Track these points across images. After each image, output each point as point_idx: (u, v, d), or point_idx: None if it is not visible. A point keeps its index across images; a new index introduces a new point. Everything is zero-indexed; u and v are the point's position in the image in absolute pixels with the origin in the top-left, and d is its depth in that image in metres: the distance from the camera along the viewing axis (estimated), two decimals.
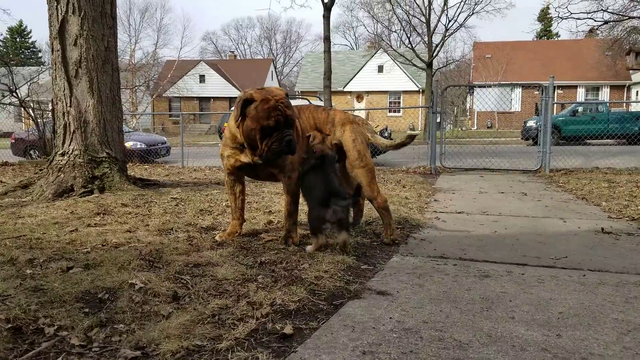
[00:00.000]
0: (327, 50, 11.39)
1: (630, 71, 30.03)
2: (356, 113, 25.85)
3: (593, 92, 30.89)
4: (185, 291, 2.24)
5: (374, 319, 1.90)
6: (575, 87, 30.47)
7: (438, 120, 9.27)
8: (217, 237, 3.22)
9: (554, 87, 8.66)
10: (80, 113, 5.44)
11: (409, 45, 25.14)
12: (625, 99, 30.02)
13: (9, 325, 1.83)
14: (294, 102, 11.36)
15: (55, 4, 5.38)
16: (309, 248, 2.88)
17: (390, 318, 1.91)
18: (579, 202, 5.22)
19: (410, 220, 4.05)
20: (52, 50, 5.53)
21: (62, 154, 5.43)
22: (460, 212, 4.63)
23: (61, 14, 5.35)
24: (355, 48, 55.09)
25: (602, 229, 3.78)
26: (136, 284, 2.27)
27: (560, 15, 17.75)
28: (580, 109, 18.20)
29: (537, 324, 1.89)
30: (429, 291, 2.27)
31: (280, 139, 2.76)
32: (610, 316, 1.99)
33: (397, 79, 35.62)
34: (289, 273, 2.51)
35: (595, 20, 18.26)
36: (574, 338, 1.76)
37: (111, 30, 5.65)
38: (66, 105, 5.45)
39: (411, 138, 3.46)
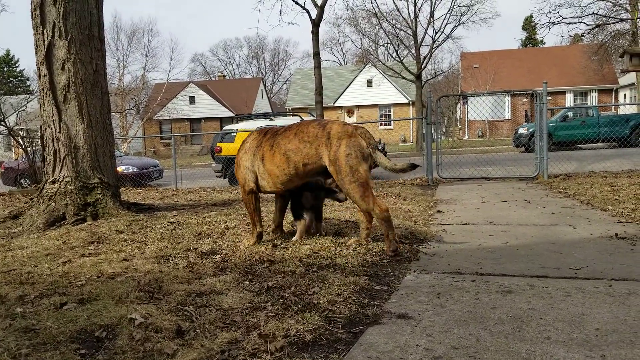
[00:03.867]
0: (317, 66, 11.36)
1: (618, 75, 30.50)
2: None
3: (581, 97, 31.23)
4: (190, 324, 2.07)
5: (400, 347, 1.75)
6: (564, 92, 30.80)
7: (432, 130, 9.21)
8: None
9: (547, 90, 8.64)
10: (70, 139, 5.27)
11: (397, 59, 25.28)
12: (613, 102, 30.36)
13: None
14: (285, 120, 11.22)
15: (41, 29, 5.24)
16: (294, 238, 3.27)
17: (417, 345, 1.75)
18: (585, 208, 5.12)
19: (417, 234, 3.90)
20: (39, 76, 5.38)
21: (53, 182, 5.24)
22: (466, 224, 4.50)
23: (47, 38, 5.22)
24: (343, 63, 55.51)
25: (616, 234, 3.66)
26: (136, 319, 2.09)
27: (552, 21, 17.97)
28: (570, 114, 18.32)
29: (576, 344, 1.74)
30: (452, 312, 2.11)
31: None
32: None
33: (387, 92, 35.84)
34: (299, 298, 2.35)
35: (587, 24, 18.51)
36: (620, 358, 1.61)
37: (99, 53, 5.52)
38: (55, 131, 5.29)
39: (412, 167, 3.38)
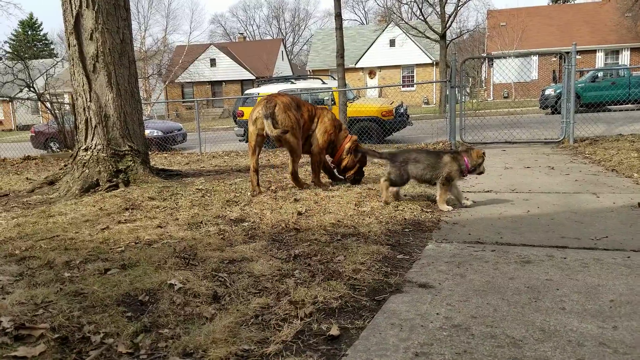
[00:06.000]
0: (339, 28, 11.09)
1: None
2: (369, 91, 25.46)
3: (613, 56, 29.80)
4: (225, 290, 2.23)
5: (421, 315, 1.87)
6: (595, 51, 29.43)
7: (456, 92, 9.05)
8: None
9: (576, 52, 8.32)
10: (101, 107, 5.44)
11: (421, 17, 24.48)
12: None
13: (56, 335, 1.84)
14: (306, 83, 11.26)
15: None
16: None
17: (437, 314, 1.87)
18: (609, 175, 5.07)
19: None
20: (69, 46, 5.50)
21: (86, 149, 5.45)
22: (488, 191, 4.54)
23: (75, 8, 5.29)
24: (365, 23, 53.99)
25: (639, 203, 3.66)
26: (175, 285, 2.26)
27: None
28: (600, 74, 17.63)
29: (590, 315, 1.83)
30: (471, 282, 2.22)
31: None
32: None
33: (410, 52, 34.90)
34: (325, 266, 2.48)
35: None
36: (631, 329, 1.70)
37: (125, 22, 5.58)
38: (86, 100, 5.45)
39: (285, 132, 4.33)
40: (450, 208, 3.78)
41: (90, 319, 1.98)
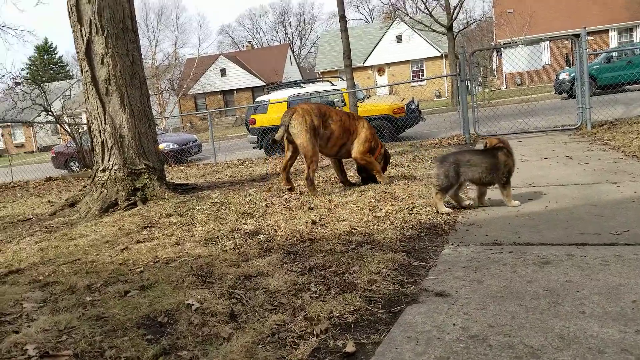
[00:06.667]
0: (344, 29, 11.08)
1: None
2: (379, 89, 25.31)
3: (626, 35, 29.03)
4: (241, 307, 2.25)
5: (437, 327, 1.85)
6: (607, 31, 28.70)
7: (467, 84, 8.94)
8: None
9: (586, 37, 8.12)
10: (115, 129, 5.54)
11: (426, 11, 24.28)
12: None
13: None
14: (315, 86, 11.35)
15: (79, 27, 5.48)
16: None
17: (454, 325, 1.85)
18: (630, 161, 4.95)
19: (454, 202, 3.93)
20: (82, 71, 5.64)
21: (103, 170, 5.57)
22: None
23: (85, 35, 5.44)
24: (371, 21, 53.82)
25: None
26: (192, 305, 2.29)
27: None
28: (614, 54, 17.20)
29: (611, 318, 1.79)
30: (489, 287, 2.19)
31: None
32: None
33: (418, 46, 34.64)
34: (340, 278, 2.48)
35: None
36: None
37: (134, 44, 5.71)
38: (101, 122, 5.56)
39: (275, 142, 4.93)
40: (519, 202, 3.71)
41: (111, 343, 2.02)
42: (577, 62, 8.26)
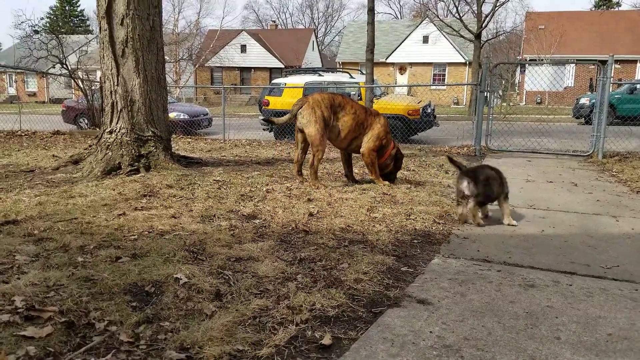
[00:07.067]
0: (371, 22, 11.00)
1: None
2: (397, 89, 25.23)
3: None
4: (228, 288, 2.29)
5: (414, 332, 1.89)
6: (635, 62, 28.35)
7: (486, 96, 8.89)
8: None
9: (613, 65, 8.04)
10: (127, 92, 5.57)
11: (457, 15, 24.04)
12: None
13: (63, 319, 1.93)
14: (334, 76, 11.32)
15: None
16: None
17: (431, 332, 1.89)
18: (634, 197, 4.93)
19: (452, 214, 3.95)
20: (100, 30, 5.64)
21: (110, 132, 5.61)
22: None
23: None
24: (399, 17, 53.33)
25: None
26: (181, 279, 2.34)
27: None
28: (639, 86, 17.01)
29: (585, 348, 1.81)
30: (471, 302, 2.22)
31: None
32: None
33: (443, 50, 34.33)
34: (328, 273, 2.52)
35: None
36: None
37: (156, 9, 5.69)
38: (113, 84, 5.59)
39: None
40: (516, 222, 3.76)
41: (97, 305, 2.07)
42: (599, 89, 8.19)
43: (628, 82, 15.96)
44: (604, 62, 8.16)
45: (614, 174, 6.41)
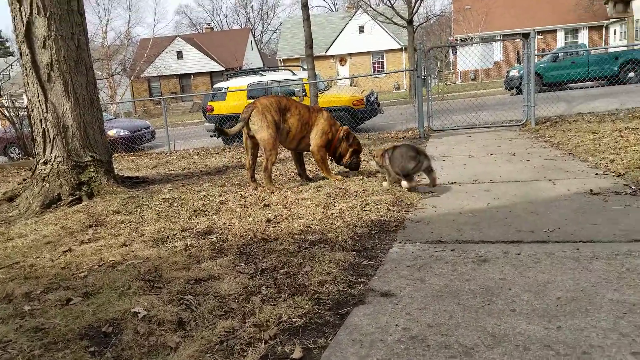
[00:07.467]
0: (307, 18, 11.04)
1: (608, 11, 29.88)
2: (340, 81, 25.35)
3: (572, 35, 30.69)
4: (190, 314, 2.24)
5: (381, 328, 1.93)
6: (555, 31, 30.20)
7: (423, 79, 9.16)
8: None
9: (536, 38, 8.50)
10: (58, 118, 5.28)
11: (388, 3, 24.50)
12: (603, 38, 29.95)
13: None
14: (276, 75, 11.24)
15: (18, 6, 5.11)
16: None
17: (397, 325, 1.94)
18: (566, 159, 5.25)
19: (404, 199, 4.05)
20: (21, 55, 5.30)
21: (45, 162, 5.30)
22: (452, 183, 4.65)
23: (25, 15, 5.10)
24: (334, 10, 53.68)
25: (591, 190, 3.81)
26: (139, 312, 2.25)
27: None
28: (560, 54, 18.11)
29: (538, 315, 1.93)
30: (430, 286, 2.30)
31: None
32: (606, 297, 2.04)
33: (379, 38, 34.97)
34: (292, 280, 2.52)
35: None
36: (573, 328, 1.80)
37: (80, 27, 5.41)
38: (42, 111, 5.28)
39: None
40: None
41: (51, 357, 1.95)
42: (525, 61, 8.64)
43: (550, 53, 16.92)
44: (527, 36, 8.62)
45: (547, 139, 6.80)
